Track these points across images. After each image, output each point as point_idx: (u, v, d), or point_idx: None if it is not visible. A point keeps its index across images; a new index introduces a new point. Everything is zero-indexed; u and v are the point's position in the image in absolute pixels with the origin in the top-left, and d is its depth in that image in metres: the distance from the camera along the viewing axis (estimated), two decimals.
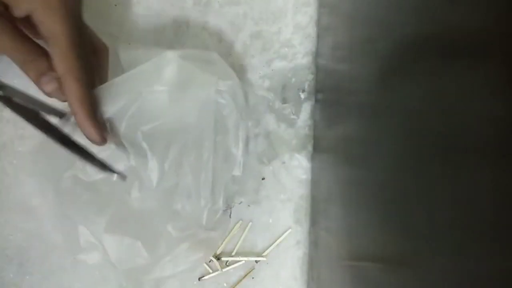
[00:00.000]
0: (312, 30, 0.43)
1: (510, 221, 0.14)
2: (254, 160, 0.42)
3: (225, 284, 0.43)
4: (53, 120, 0.32)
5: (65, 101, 0.31)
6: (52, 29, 0.28)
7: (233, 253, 0.42)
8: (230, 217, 0.42)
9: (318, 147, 0.42)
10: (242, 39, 0.43)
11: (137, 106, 0.33)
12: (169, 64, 0.34)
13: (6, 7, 0.29)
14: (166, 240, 0.35)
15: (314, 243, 0.41)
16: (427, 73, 0.20)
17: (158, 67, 0.34)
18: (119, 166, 0.34)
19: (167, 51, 0.34)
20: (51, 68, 0.29)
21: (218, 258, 0.42)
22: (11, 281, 0.42)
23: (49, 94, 0.30)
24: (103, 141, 0.32)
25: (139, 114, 0.33)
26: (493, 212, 0.15)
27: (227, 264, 0.42)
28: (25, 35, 0.30)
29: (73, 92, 0.29)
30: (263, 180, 0.43)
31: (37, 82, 0.30)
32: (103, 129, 0.32)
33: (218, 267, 0.42)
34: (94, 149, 0.33)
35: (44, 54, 0.30)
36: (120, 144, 0.33)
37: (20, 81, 0.31)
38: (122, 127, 0.33)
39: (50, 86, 0.30)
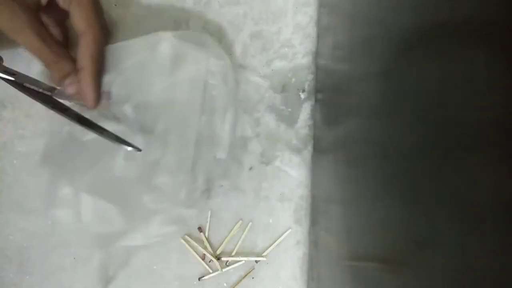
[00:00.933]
0: (312, 30, 0.43)
1: (510, 221, 0.14)
2: (240, 147, 0.42)
3: (225, 284, 0.43)
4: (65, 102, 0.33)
5: (82, 100, 0.33)
6: None
7: (233, 253, 0.42)
8: (208, 198, 0.42)
9: (318, 147, 0.42)
10: (242, 39, 0.43)
11: (126, 77, 0.34)
12: (161, 41, 0.34)
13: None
14: (140, 211, 0.35)
15: (314, 243, 0.41)
16: (427, 72, 0.20)
17: (150, 43, 0.34)
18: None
19: (159, 31, 0.35)
20: (73, 71, 0.32)
21: (218, 258, 0.42)
22: (11, 281, 0.42)
23: (70, 95, 0.32)
24: (96, 104, 0.33)
25: (128, 86, 0.34)
26: (493, 212, 0.15)
27: (227, 264, 0.42)
28: (52, 37, 0.32)
29: (87, 48, 0.32)
30: (250, 170, 0.43)
31: (61, 82, 0.32)
32: (100, 93, 0.33)
33: (218, 267, 0.42)
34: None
35: (68, 57, 0.33)
36: (109, 112, 0.34)
37: (26, 72, 0.32)
38: (112, 96, 0.34)
39: (73, 88, 0.32)
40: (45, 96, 0.32)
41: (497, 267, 0.15)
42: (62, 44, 0.35)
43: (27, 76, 0.32)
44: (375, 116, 0.27)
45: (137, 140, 0.34)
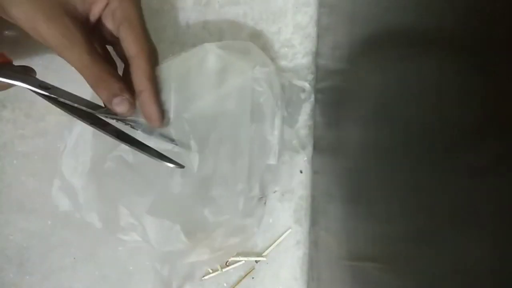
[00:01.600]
0: (312, 30, 0.43)
1: (510, 222, 0.14)
2: (290, 150, 0.42)
3: (225, 284, 0.43)
4: (102, 116, 0.32)
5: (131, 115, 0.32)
6: (127, 13, 0.32)
7: None
8: (265, 204, 0.42)
9: (318, 147, 0.42)
10: (242, 39, 0.43)
11: (178, 94, 0.34)
12: (207, 54, 0.35)
13: (87, 15, 0.31)
14: (203, 225, 0.36)
15: (314, 243, 0.41)
16: (427, 72, 0.20)
17: (197, 57, 0.35)
18: (164, 152, 0.34)
19: (204, 43, 0.35)
20: (122, 89, 0.31)
21: None
22: (11, 281, 0.42)
23: (119, 114, 0.32)
24: (162, 122, 0.33)
25: (181, 102, 0.34)
26: (493, 212, 0.15)
27: (227, 264, 0.42)
28: (100, 55, 0.31)
29: (143, 70, 0.31)
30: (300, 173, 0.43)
31: (109, 102, 0.31)
32: (163, 112, 0.33)
33: (218, 267, 0.42)
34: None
35: (116, 75, 0.32)
36: (166, 130, 0.34)
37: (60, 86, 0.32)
38: (168, 113, 0.34)
39: (122, 107, 0.31)
40: (83, 112, 0.31)
41: (497, 267, 0.15)
42: (108, 61, 0.34)
43: (63, 91, 0.31)
44: (375, 116, 0.27)
45: (191, 154, 0.34)
